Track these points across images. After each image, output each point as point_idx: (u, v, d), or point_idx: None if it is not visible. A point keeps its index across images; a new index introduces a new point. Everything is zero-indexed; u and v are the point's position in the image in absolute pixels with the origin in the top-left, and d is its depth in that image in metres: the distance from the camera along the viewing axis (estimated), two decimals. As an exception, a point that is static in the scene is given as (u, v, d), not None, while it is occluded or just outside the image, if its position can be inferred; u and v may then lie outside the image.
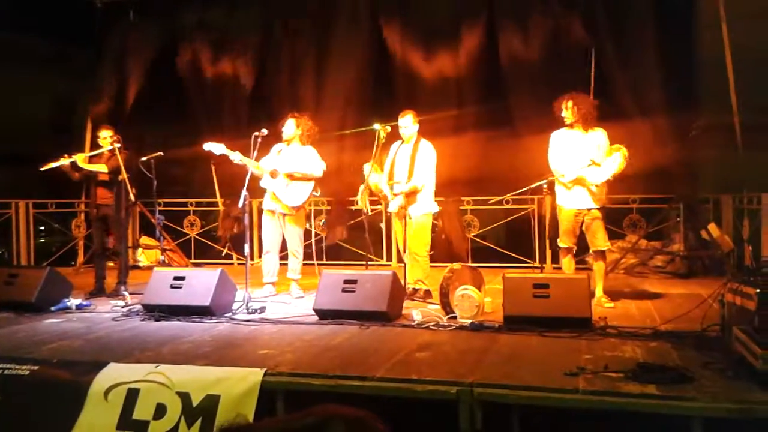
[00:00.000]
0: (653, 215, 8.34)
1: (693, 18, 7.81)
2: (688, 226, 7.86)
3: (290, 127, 6.50)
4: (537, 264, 8.20)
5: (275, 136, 6.52)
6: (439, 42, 8.65)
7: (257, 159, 6.30)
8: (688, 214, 7.89)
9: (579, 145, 5.79)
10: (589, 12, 8.03)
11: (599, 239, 5.84)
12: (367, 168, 6.26)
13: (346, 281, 5.30)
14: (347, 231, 9.10)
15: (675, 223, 8.22)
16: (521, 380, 3.48)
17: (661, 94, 7.75)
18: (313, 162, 6.51)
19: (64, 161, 6.52)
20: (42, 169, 6.50)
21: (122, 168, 6.55)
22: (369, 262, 6.64)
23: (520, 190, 6.26)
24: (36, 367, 3.98)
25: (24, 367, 3.99)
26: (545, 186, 5.92)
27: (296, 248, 6.58)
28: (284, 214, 6.48)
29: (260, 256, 6.52)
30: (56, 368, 3.98)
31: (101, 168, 6.64)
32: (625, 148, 5.64)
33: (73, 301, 6.01)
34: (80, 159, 6.63)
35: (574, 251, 5.99)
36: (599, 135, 5.83)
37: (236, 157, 6.24)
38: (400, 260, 6.55)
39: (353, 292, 5.23)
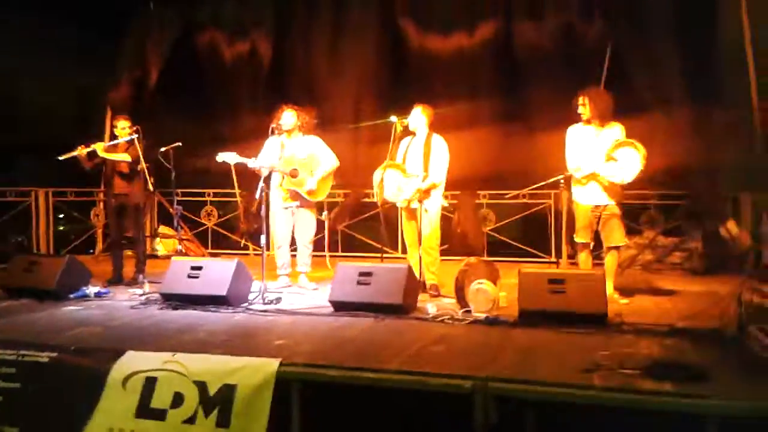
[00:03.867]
0: (671, 211, 8.28)
1: (714, 11, 7.71)
2: (707, 223, 7.78)
3: (290, 118, 6.43)
4: (553, 259, 8.17)
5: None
6: (455, 33, 8.61)
7: (255, 154, 6.34)
8: (706, 212, 7.81)
9: (595, 141, 5.75)
10: (607, 3, 7.97)
11: (615, 235, 5.78)
12: (377, 175, 6.21)
13: (362, 274, 5.31)
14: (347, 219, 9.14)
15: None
16: (536, 375, 3.47)
17: (680, 89, 7.67)
18: (327, 153, 6.50)
19: (83, 150, 6.55)
20: (60, 158, 6.54)
21: (141, 158, 6.59)
22: (384, 255, 6.65)
23: (537, 185, 6.23)
24: (55, 354, 4.02)
25: (43, 353, 4.03)
26: (562, 181, 5.89)
27: (309, 241, 6.60)
28: (299, 206, 6.49)
29: (271, 249, 6.52)
30: (75, 355, 4.02)
31: (125, 157, 6.67)
32: (642, 146, 5.54)
33: (92, 289, 6.06)
34: (99, 148, 6.66)
35: (592, 246, 5.96)
36: (616, 131, 5.76)
37: (252, 163, 6.26)
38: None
39: (368, 284, 5.24)
